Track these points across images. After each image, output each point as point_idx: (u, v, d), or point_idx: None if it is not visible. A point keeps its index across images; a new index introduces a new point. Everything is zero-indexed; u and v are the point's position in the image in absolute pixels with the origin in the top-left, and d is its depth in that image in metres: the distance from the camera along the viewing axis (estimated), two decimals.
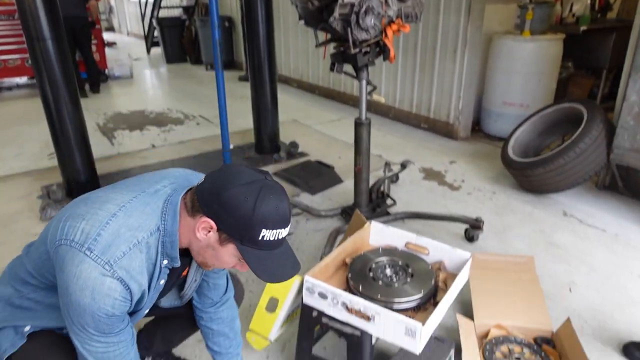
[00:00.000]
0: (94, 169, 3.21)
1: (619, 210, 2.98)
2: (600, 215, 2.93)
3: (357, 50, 2.28)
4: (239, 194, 0.98)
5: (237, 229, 1.00)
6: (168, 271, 1.13)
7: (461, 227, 2.73)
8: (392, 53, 2.33)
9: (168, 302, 1.35)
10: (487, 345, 1.84)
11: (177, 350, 1.80)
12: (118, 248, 0.99)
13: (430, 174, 3.61)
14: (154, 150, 4.22)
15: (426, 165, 3.78)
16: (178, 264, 1.11)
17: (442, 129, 4.47)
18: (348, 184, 3.34)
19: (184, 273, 1.24)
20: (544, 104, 3.99)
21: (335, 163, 3.69)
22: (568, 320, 1.81)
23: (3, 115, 5.44)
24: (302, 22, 2.40)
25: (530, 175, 3.04)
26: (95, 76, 6.32)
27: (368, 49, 2.33)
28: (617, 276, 2.36)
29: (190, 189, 1.09)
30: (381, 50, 2.37)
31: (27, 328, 1.15)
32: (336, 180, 3.47)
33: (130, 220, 1.02)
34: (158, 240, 1.05)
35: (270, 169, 3.70)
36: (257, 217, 0.99)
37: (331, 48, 2.46)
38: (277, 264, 1.07)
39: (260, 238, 1.01)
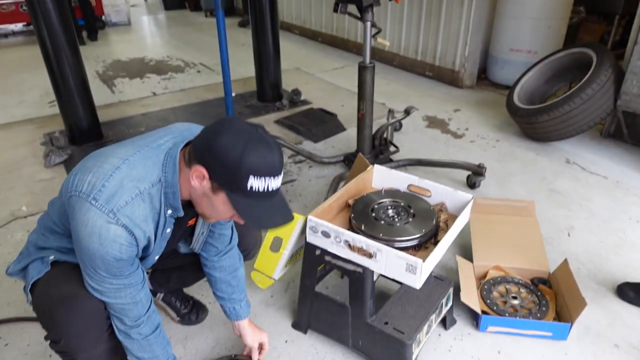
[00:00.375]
0: (95, 116, 3.19)
1: (622, 158, 2.98)
2: (603, 163, 2.93)
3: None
4: (228, 142, 1.02)
5: (226, 176, 1.04)
6: (174, 220, 1.19)
7: (463, 174, 2.74)
8: None
9: (186, 249, 1.42)
10: (485, 285, 1.90)
11: (187, 291, 1.87)
12: (121, 197, 1.04)
13: (434, 122, 3.59)
14: (155, 98, 4.17)
15: (430, 113, 3.75)
16: (181, 213, 1.17)
17: (447, 77, 4.39)
18: (351, 132, 3.33)
19: (191, 222, 1.29)
20: (552, 51, 3.89)
21: (338, 111, 3.66)
22: (565, 262, 1.85)
23: (1, 63, 5.35)
24: None
25: (535, 122, 3.01)
26: (92, 23, 6.16)
27: None
28: (616, 221, 2.39)
29: (190, 141, 1.13)
30: None
31: (52, 257, 1.24)
32: (339, 128, 3.45)
33: (133, 172, 1.07)
34: (160, 191, 1.11)
35: (273, 117, 3.67)
36: (245, 165, 1.02)
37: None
38: (266, 213, 1.10)
39: (248, 187, 1.04)
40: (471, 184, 2.67)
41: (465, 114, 3.73)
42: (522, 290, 1.89)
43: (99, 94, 4.07)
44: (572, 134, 2.98)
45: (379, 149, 2.83)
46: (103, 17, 6.88)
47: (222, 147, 1.02)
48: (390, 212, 1.61)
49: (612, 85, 2.83)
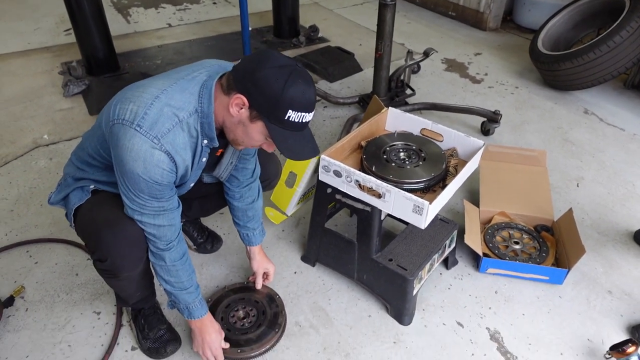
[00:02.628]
0: (112, 47, 3.18)
1: None
2: (622, 114, 2.89)
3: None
4: (271, 74, 1.07)
5: (266, 106, 1.09)
6: (209, 150, 1.25)
7: (478, 121, 2.73)
8: None
9: (210, 179, 1.49)
10: (489, 229, 1.96)
11: (203, 222, 1.96)
12: (163, 125, 1.10)
13: (453, 65, 3.51)
14: (171, 29, 4.11)
15: (450, 56, 3.66)
16: (216, 144, 1.23)
17: (470, 18, 4.23)
18: (367, 73, 3.28)
19: (218, 153, 1.36)
20: None
21: (356, 50, 3.58)
22: (570, 211, 1.89)
23: None
24: None
25: (557, 69, 2.94)
26: None
27: None
28: (627, 173, 2.40)
29: (226, 73, 1.17)
30: None
31: (92, 187, 1.32)
32: (356, 68, 3.40)
33: (172, 102, 1.12)
34: (197, 121, 1.16)
35: (289, 54, 3.62)
36: (285, 97, 1.07)
37: None
38: (299, 144, 1.17)
39: (286, 118, 1.10)
40: (485, 131, 2.66)
41: (486, 58, 3.64)
42: (525, 236, 1.95)
43: (115, 23, 4.01)
44: (594, 84, 2.91)
45: (394, 91, 2.81)
46: None
47: (265, 78, 1.06)
48: (401, 154, 1.64)
49: None
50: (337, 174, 1.53)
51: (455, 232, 1.79)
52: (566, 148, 2.59)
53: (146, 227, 1.23)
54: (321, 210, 1.72)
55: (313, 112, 1.15)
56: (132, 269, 1.30)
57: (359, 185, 1.49)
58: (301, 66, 1.12)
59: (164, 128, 1.10)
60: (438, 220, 1.79)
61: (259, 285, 1.68)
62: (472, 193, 2.21)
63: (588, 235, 2.02)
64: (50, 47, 3.69)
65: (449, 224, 1.79)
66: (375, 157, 1.60)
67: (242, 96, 1.09)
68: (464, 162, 1.66)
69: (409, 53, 2.94)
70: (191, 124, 1.15)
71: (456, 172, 1.60)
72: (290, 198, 1.74)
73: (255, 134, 1.16)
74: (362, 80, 3.26)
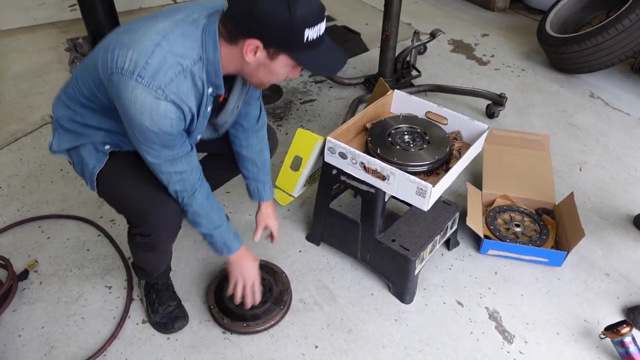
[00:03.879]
0: (117, 23, 3.16)
1: None
2: (628, 99, 2.88)
3: None
4: (269, 3, 1.00)
5: (282, 38, 1.04)
6: (212, 99, 1.21)
7: (483, 103, 2.73)
8: None
9: (207, 134, 1.45)
10: (491, 212, 2.00)
11: None
12: (165, 74, 1.05)
13: (460, 47, 3.49)
14: (177, 6, 4.07)
15: (456, 37, 3.63)
16: (222, 91, 1.19)
17: None
18: (373, 53, 3.27)
19: (221, 99, 1.32)
20: None
21: (362, 30, 3.56)
22: (571, 194, 1.92)
23: None
24: None
25: (564, 52, 2.92)
26: None
27: None
28: (630, 158, 2.42)
29: (220, 18, 1.11)
30: None
31: (107, 147, 1.30)
32: (362, 48, 3.39)
33: (174, 49, 1.06)
34: (202, 69, 1.11)
35: None
36: (296, 19, 1.01)
37: None
38: (327, 57, 1.12)
39: (305, 40, 1.04)
40: (490, 114, 2.67)
41: (494, 39, 3.61)
42: (526, 219, 1.99)
43: None
44: (601, 67, 2.89)
45: (400, 72, 2.80)
46: None
47: (267, 10, 1.00)
48: (406, 137, 1.66)
49: None
50: (343, 155, 1.55)
51: (457, 215, 1.82)
52: (570, 132, 2.60)
53: (169, 177, 1.22)
54: (326, 191, 1.75)
55: (325, 18, 1.08)
56: (171, 241, 1.38)
57: (364, 167, 1.52)
58: None
59: (166, 77, 1.05)
60: (441, 203, 1.82)
61: (256, 238, 1.64)
62: (475, 176, 2.23)
63: (589, 219, 2.05)
64: (56, 22, 3.68)
65: (451, 206, 1.82)
66: (380, 140, 1.62)
67: (252, 40, 1.04)
68: (467, 146, 1.68)
69: (416, 34, 2.93)
70: (195, 72, 1.10)
71: (460, 155, 1.62)
72: (296, 180, 1.77)
73: (280, 69, 1.12)
74: (369, 61, 3.25)
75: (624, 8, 2.70)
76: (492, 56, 3.36)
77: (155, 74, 1.04)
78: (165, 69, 1.05)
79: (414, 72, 2.87)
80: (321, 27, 1.06)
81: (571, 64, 2.98)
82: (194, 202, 1.29)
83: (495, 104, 2.63)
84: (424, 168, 1.56)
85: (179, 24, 1.09)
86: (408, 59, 2.82)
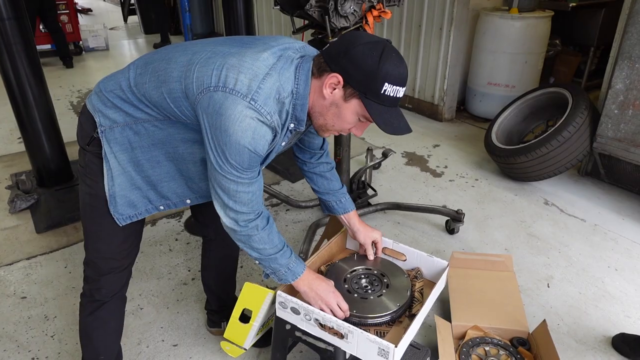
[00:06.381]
0: (65, 156, 3.08)
1: (600, 198, 2.98)
2: (580, 204, 2.93)
3: (335, 38, 2.17)
4: (366, 49, 1.10)
5: (363, 81, 1.11)
6: (290, 135, 1.26)
7: (442, 219, 2.70)
8: None
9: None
10: (464, 347, 1.84)
11: None
12: (273, 102, 1.13)
13: (413, 159, 3.56)
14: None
15: (409, 149, 3.72)
16: (303, 127, 1.23)
17: (426, 110, 4.39)
18: None
19: None
20: (530, 85, 3.93)
21: None
22: (543, 322, 1.81)
23: None
24: (278, 7, 2.27)
25: (513, 163, 3.01)
26: (64, 50, 6.00)
27: None
28: (594, 269, 2.37)
29: (314, 56, 1.20)
30: None
31: (162, 207, 1.39)
32: None
33: (282, 79, 1.14)
34: (290, 103, 1.17)
35: None
36: (382, 70, 1.10)
37: (309, 35, 2.35)
38: (395, 120, 1.17)
39: (382, 92, 1.11)
40: (450, 230, 2.63)
41: (445, 149, 3.72)
42: (502, 352, 1.84)
43: (72, 128, 3.94)
44: (550, 175, 2.98)
45: (357, 192, 2.78)
46: (80, 43, 6.76)
47: (360, 53, 1.10)
48: (363, 282, 1.55)
49: (588, 126, 2.84)
50: (295, 311, 1.41)
51: (428, 359, 1.66)
52: (531, 244, 2.57)
53: (243, 196, 1.22)
54: (281, 347, 1.57)
55: (405, 88, 1.16)
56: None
57: (320, 323, 1.37)
58: (391, 42, 1.15)
59: (274, 106, 1.13)
60: (409, 347, 1.67)
61: (371, 257, 1.61)
62: (441, 302, 2.11)
63: (566, 345, 1.93)
64: (1, 156, 3.57)
65: (420, 350, 1.67)
66: (336, 288, 1.49)
67: (337, 74, 1.12)
68: (429, 283, 1.58)
69: (369, 151, 2.97)
70: (286, 104, 1.16)
71: (422, 298, 1.51)
72: (247, 333, 1.59)
73: (349, 115, 1.17)
74: None
75: (560, 122, 2.85)
76: (446, 167, 3.43)
77: (266, 101, 1.11)
78: (271, 98, 1.13)
79: (370, 191, 2.86)
80: (399, 91, 1.14)
81: (521, 173, 3.06)
82: (259, 225, 1.28)
83: (454, 221, 2.60)
84: (386, 319, 1.43)
85: (279, 59, 1.17)
86: (363, 178, 2.82)
